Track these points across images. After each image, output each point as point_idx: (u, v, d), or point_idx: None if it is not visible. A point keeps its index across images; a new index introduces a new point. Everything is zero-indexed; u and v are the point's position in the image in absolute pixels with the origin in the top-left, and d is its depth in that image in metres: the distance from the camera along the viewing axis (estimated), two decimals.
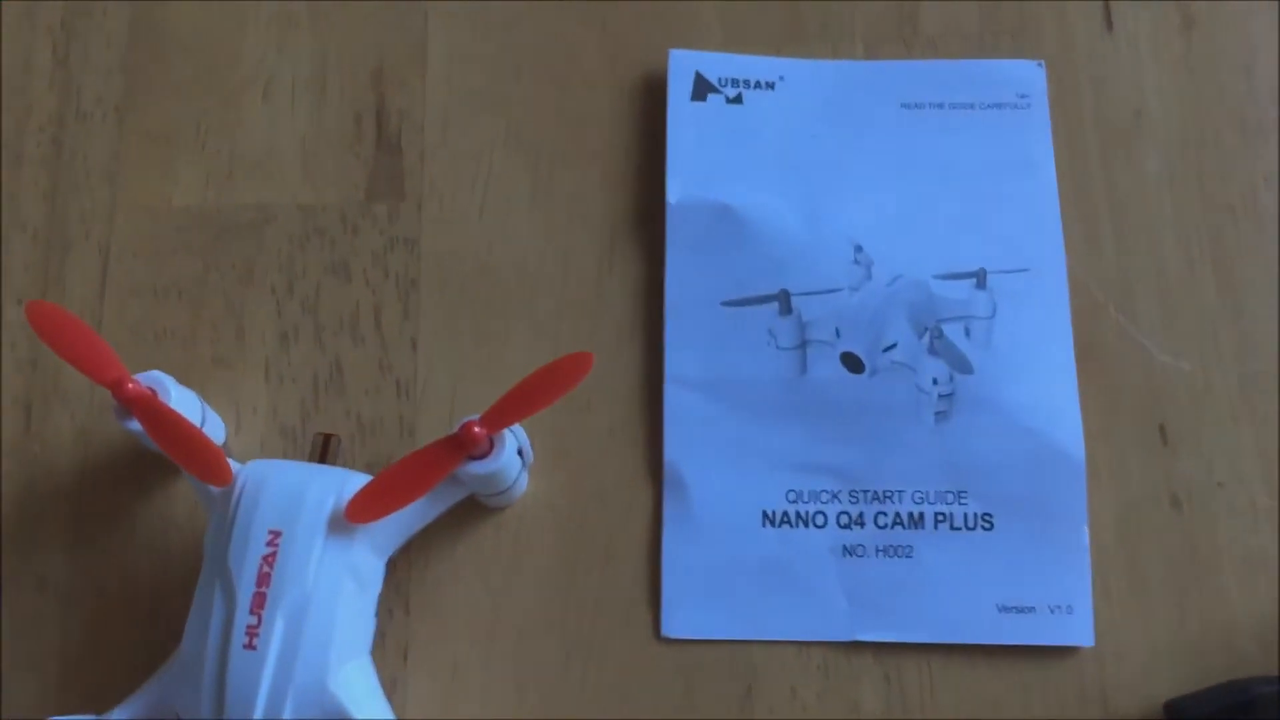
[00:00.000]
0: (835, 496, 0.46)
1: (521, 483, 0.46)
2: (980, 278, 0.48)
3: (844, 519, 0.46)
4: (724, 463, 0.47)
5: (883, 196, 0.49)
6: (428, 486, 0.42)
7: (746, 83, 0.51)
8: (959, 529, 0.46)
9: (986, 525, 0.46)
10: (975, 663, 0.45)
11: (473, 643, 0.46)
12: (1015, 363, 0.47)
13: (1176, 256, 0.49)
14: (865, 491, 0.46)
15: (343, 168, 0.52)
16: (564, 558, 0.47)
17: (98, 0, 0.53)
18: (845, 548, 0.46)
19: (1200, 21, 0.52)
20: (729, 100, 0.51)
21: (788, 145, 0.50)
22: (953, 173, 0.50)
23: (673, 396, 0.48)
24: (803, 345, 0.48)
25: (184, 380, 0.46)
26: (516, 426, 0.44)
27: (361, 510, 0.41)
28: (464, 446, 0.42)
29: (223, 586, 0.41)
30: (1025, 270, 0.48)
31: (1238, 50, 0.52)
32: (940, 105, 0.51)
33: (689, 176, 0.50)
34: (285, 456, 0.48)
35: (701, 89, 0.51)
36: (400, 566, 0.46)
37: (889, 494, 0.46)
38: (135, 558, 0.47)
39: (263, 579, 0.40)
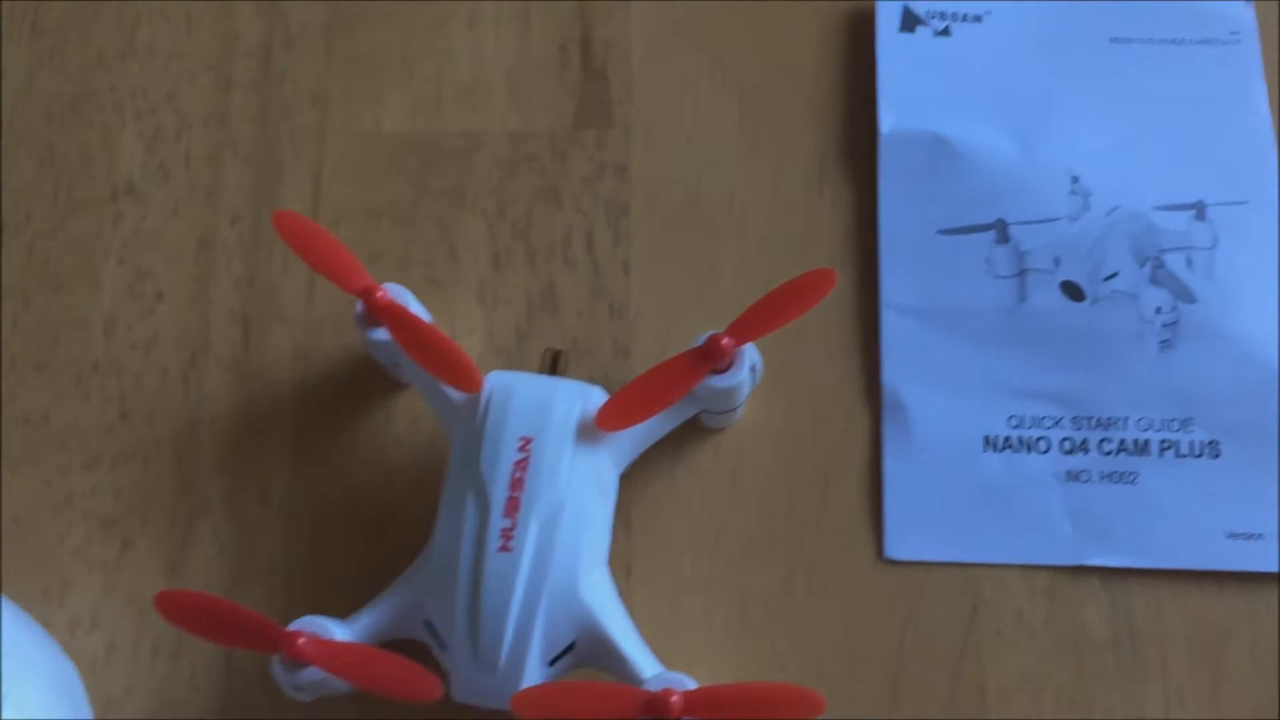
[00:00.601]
0: (1057, 423, 0.46)
1: (743, 405, 0.47)
2: (1199, 209, 0.48)
3: (1067, 445, 0.46)
4: (943, 388, 0.47)
5: (1096, 128, 0.49)
6: (675, 397, 0.42)
7: (954, 15, 0.51)
8: (1185, 456, 0.46)
9: (1213, 453, 0.46)
10: (1203, 589, 0.45)
11: (694, 562, 0.46)
12: (1240, 292, 0.47)
13: None
14: (1088, 418, 0.46)
15: (550, 96, 0.52)
16: (783, 480, 0.47)
17: None
18: (1069, 473, 0.46)
19: None
20: (937, 33, 0.51)
21: (998, 77, 0.50)
22: (1165, 106, 0.50)
23: (889, 322, 0.48)
24: (1021, 273, 0.48)
25: None
26: (749, 344, 0.44)
27: (612, 418, 0.41)
28: (710, 358, 0.42)
29: (475, 492, 0.41)
30: (1244, 203, 0.48)
31: None
32: (1150, 40, 0.51)
33: (902, 107, 0.50)
34: None
35: (910, 21, 0.51)
36: (621, 485, 0.47)
37: (1112, 421, 0.46)
38: (356, 473, 0.47)
39: (515, 484, 0.41)
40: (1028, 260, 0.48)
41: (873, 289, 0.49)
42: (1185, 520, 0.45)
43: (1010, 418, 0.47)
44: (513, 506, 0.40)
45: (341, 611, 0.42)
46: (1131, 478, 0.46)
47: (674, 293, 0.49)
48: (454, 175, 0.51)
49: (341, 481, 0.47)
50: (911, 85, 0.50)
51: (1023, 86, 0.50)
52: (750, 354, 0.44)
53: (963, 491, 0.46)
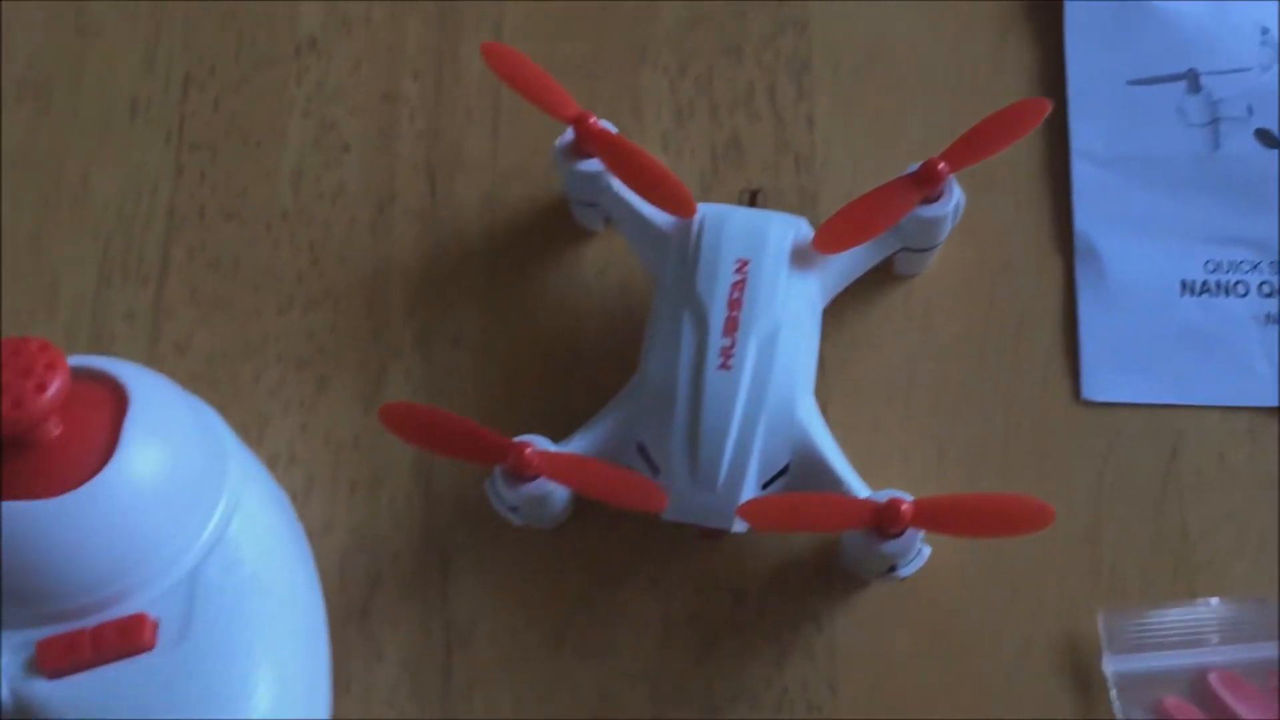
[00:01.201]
0: (1255, 267, 0.46)
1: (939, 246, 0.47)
2: None
3: (1266, 288, 0.46)
4: (1137, 234, 0.47)
5: None
6: (889, 222, 0.42)
7: None
8: None
9: None
10: None
11: (889, 403, 0.46)
12: None
13: None
14: None
15: None
16: (976, 325, 0.47)
17: None
18: (1269, 315, 0.46)
19: None
20: None
21: None
22: None
23: (1080, 171, 0.48)
24: (1214, 121, 0.48)
25: None
26: (954, 181, 0.44)
27: (830, 240, 0.42)
28: (925, 183, 0.42)
29: (692, 313, 0.41)
30: None
31: None
32: None
33: None
34: None
35: None
36: None
37: None
38: (545, 318, 0.48)
39: (733, 304, 0.41)
40: (1220, 109, 0.48)
41: (1061, 140, 0.48)
42: None
43: (1207, 262, 0.46)
44: (731, 326, 0.41)
45: None
46: None
47: (860, 145, 0.49)
48: (632, 34, 0.51)
49: (531, 326, 0.48)
50: None
51: None
52: (955, 190, 0.44)
53: (1160, 335, 0.46)
